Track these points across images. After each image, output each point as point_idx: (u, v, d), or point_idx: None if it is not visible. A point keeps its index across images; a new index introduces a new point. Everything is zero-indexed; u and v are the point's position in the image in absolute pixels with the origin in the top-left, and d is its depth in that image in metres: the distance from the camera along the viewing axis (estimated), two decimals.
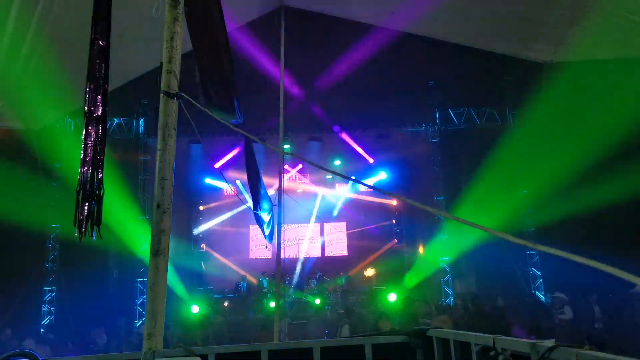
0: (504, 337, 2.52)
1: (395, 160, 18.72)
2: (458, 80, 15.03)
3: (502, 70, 13.94)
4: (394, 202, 19.80)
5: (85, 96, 2.92)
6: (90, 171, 2.83)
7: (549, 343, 2.13)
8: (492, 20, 8.39)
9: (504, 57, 9.71)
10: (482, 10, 8.16)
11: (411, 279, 16.90)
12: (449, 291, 15.66)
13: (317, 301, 15.55)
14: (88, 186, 2.81)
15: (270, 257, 16.07)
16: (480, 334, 2.84)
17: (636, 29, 7.06)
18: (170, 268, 3.23)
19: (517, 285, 14.77)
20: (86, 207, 2.78)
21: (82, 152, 2.85)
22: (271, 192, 9.01)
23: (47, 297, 14.55)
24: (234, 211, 18.95)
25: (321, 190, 19.98)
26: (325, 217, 19.92)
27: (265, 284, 16.84)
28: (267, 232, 8.22)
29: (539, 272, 14.94)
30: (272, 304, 14.83)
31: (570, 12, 7.30)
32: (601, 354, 1.88)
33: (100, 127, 2.92)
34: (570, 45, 8.07)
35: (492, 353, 2.51)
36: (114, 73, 3.14)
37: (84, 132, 2.90)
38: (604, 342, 6.18)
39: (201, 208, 19.78)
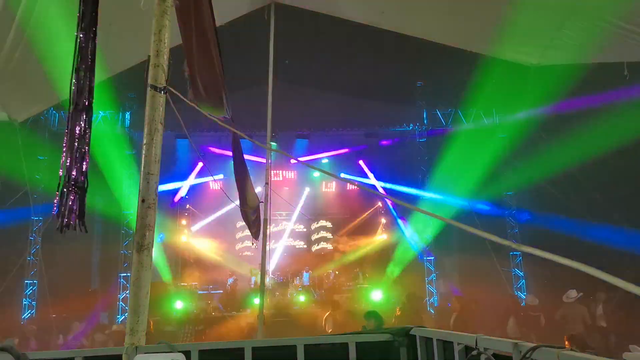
0: (487, 337, 2.54)
1: (383, 158, 18.82)
2: (446, 82, 15.14)
3: (489, 72, 14.05)
4: (380, 204, 19.88)
5: (71, 88, 2.89)
6: (74, 163, 2.79)
7: (531, 343, 2.15)
8: (481, 22, 8.43)
9: (492, 60, 9.78)
10: (471, 12, 8.19)
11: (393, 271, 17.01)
12: (433, 290, 15.76)
13: (302, 298, 15.54)
14: (71, 178, 2.77)
15: (256, 254, 16.03)
16: (463, 334, 2.86)
17: (621, 34, 7.15)
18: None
19: (500, 285, 14.92)
20: (69, 200, 2.75)
21: (65, 144, 2.81)
22: (258, 188, 8.96)
23: (29, 291, 14.37)
24: (221, 211, 18.83)
25: (307, 188, 19.99)
26: (311, 214, 19.93)
27: (252, 281, 16.78)
28: (253, 228, 8.19)
29: (521, 273, 15.09)
30: (257, 301, 14.83)
31: (558, 16, 7.36)
32: (581, 355, 1.90)
33: (84, 119, 2.88)
34: (557, 48, 8.13)
35: (474, 352, 2.53)
36: (100, 66, 3.10)
37: (68, 124, 2.86)
38: (585, 343, 6.27)
39: (187, 206, 19.67)
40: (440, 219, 5.72)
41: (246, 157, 8.27)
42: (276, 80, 8.94)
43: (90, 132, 2.90)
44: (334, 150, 18.55)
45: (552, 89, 10.74)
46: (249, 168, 7.92)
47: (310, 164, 18.85)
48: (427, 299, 15.54)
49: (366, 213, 19.87)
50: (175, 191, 18.47)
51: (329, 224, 20.40)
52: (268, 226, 8.47)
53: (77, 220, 2.75)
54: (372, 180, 18.79)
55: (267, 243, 8.63)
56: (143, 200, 3.19)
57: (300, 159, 16.47)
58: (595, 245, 11.36)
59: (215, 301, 15.70)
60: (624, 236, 11.37)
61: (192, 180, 18.83)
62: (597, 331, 10.21)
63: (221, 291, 16.71)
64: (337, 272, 17.94)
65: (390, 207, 19.10)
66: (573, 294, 10.08)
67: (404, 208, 18.09)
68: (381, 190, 18.13)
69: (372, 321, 7.70)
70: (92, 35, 2.96)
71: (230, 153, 7.81)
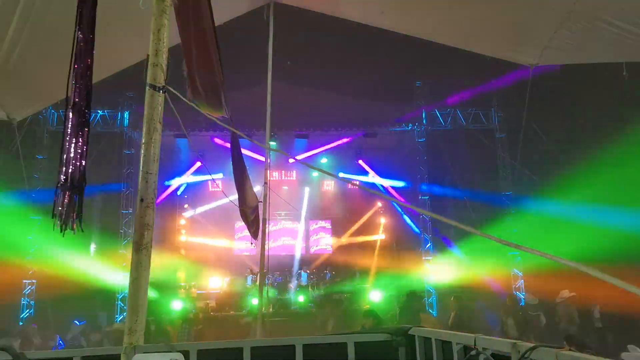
0: (485, 337, 2.54)
1: (382, 158, 18.81)
2: (446, 82, 15.13)
3: (488, 72, 14.06)
4: (379, 204, 19.89)
5: (68, 86, 2.88)
6: (71, 162, 2.78)
7: (530, 343, 2.15)
8: (479, 22, 8.42)
9: (491, 59, 9.76)
10: (470, 12, 8.18)
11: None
12: (432, 290, 15.75)
13: (301, 298, 15.51)
14: (69, 177, 2.76)
15: (254, 253, 16.03)
16: (462, 333, 2.86)
17: (619, 34, 7.15)
18: None
19: (499, 284, 14.93)
20: (67, 199, 2.74)
21: (63, 143, 2.80)
22: (257, 188, 8.95)
23: (27, 291, 14.34)
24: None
25: (307, 187, 20.00)
26: (310, 214, 19.93)
27: (249, 281, 16.77)
28: (252, 228, 8.18)
29: (520, 273, 15.08)
30: (255, 301, 14.81)
31: (556, 16, 7.36)
32: (580, 355, 1.90)
33: (83, 118, 2.87)
34: (556, 48, 8.13)
35: (473, 352, 2.53)
36: (100, 65, 3.09)
37: (65, 123, 2.85)
38: (583, 343, 6.27)
39: (185, 206, 19.67)
40: (439, 219, 5.68)
41: (245, 153, 8.26)
42: (275, 80, 8.94)
43: (88, 131, 2.89)
44: (332, 143, 18.46)
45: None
46: (248, 166, 7.92)
47: (310, 164, 18.83)
48: (427, 298, 15.53)
49: (366, 214, 19.88)
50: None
51: (328, 224, 20.41)
52: (267, 225, 8.47)
53: (75, 220, 2.74)
54: (373, 178, 18.79)
55: (266, 243, 8.63)
56: (142, 199, 3.18)
57: (298, 157, 16.45)
58: None
59: (213, 301, 15.70)
60: None
61: (188, 178, 18.81)
62: (594, 331, 10.24)
63: (219, 291, 16.71)
64: (334, 273, 17.94)
65: (397, 206, 19.12)
66: (565, 293, 10.20)
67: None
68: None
69: (370, 319, 7.71)
70: (90, 34, 2.95)
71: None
